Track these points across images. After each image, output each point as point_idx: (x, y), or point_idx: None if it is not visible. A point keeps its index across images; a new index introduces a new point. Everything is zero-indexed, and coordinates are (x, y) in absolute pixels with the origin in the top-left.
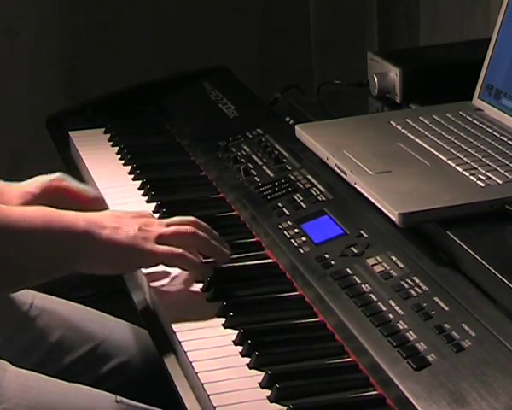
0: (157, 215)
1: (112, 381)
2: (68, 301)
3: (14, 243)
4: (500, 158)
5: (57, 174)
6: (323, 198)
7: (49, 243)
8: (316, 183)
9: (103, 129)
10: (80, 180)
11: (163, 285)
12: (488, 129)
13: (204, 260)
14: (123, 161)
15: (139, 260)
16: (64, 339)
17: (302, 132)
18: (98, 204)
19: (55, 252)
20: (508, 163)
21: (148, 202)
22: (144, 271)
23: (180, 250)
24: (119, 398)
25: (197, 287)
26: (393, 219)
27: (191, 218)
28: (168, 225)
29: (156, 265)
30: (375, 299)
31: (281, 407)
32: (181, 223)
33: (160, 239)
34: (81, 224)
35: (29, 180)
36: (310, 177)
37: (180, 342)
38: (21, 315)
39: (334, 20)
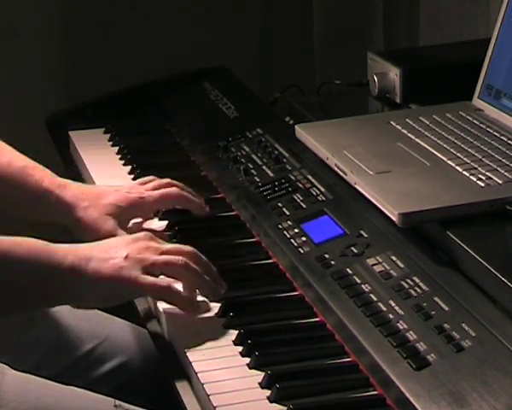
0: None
1: (112, 381)
2: None
3: (6, 271)
4: (500, 158)
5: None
6: (323, 198)
7: (34, 277)
8: (316, 183)
9: (103, 129)
10: (80, 180)
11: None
12: (488, 129)
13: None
14: (123, 161)
15: (126, 292)
16: (64, 339)
17: (302, 132)
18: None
19: (41, 287)
20: (508, 163)
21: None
22: None
23: (165, 283)
24: (117, 402)
25: None
26: (393, 219)
27: (190, 248)
28: (164, 252)
29: (144, 296)
30: (375, 299)
31: (281, 407)
32: (177, 252)
33: (150, 268)
34: (68, 260)
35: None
36: (310, 177)
37: (180, 343)
38: (21, 316)
39: (335, 20)
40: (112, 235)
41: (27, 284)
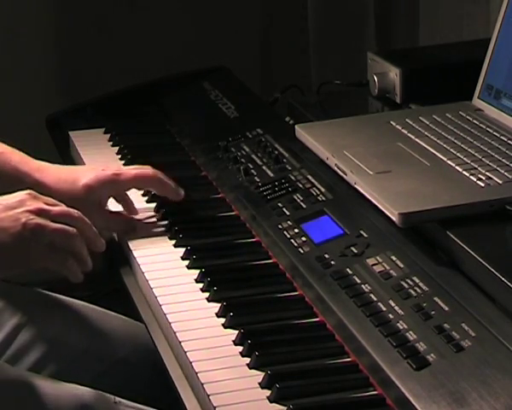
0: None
1: (111, 378)
2: (68, 297)
3: None
4: (500, 158)
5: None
6: (323, 198)
7: None
8: (316, 183)
9: (103, 129)
10: None
11: (162, 285)
12: (488, 129)
13: None
14: (123, 161)
15: (30, 262)
16: (63, 337)
17: (302, 132)
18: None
19: None
20: (508, 163)
21: (147, 202)
22: (144, 269)
23: (65, 258)
24: (117, 399)
25: (197, 287)
26: (393, 219)
27: (74, 212)
28: (54, 215)
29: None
30: (375, 299)
31: (281, 407)
32: (66, 215)
33: (47, 236)
34: None
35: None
36: (310, 177)
37: (180, 343)
38: (20, 313)
39: (334, 19)
40: None
41: None
